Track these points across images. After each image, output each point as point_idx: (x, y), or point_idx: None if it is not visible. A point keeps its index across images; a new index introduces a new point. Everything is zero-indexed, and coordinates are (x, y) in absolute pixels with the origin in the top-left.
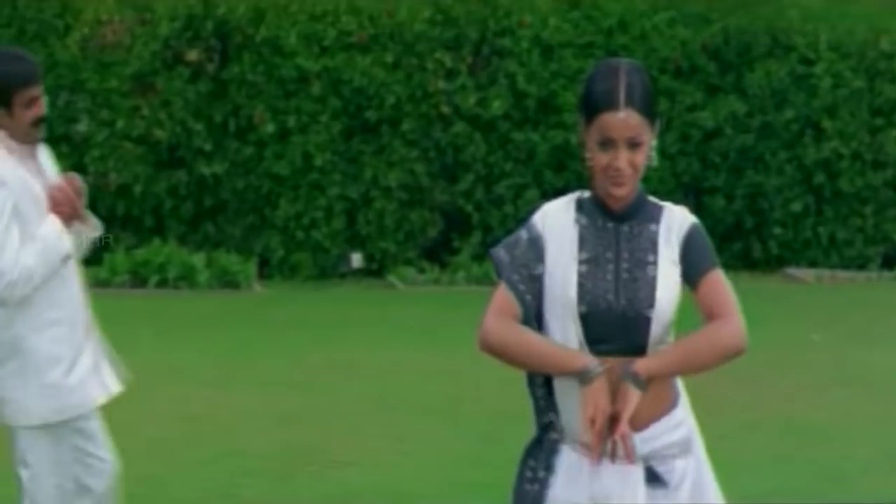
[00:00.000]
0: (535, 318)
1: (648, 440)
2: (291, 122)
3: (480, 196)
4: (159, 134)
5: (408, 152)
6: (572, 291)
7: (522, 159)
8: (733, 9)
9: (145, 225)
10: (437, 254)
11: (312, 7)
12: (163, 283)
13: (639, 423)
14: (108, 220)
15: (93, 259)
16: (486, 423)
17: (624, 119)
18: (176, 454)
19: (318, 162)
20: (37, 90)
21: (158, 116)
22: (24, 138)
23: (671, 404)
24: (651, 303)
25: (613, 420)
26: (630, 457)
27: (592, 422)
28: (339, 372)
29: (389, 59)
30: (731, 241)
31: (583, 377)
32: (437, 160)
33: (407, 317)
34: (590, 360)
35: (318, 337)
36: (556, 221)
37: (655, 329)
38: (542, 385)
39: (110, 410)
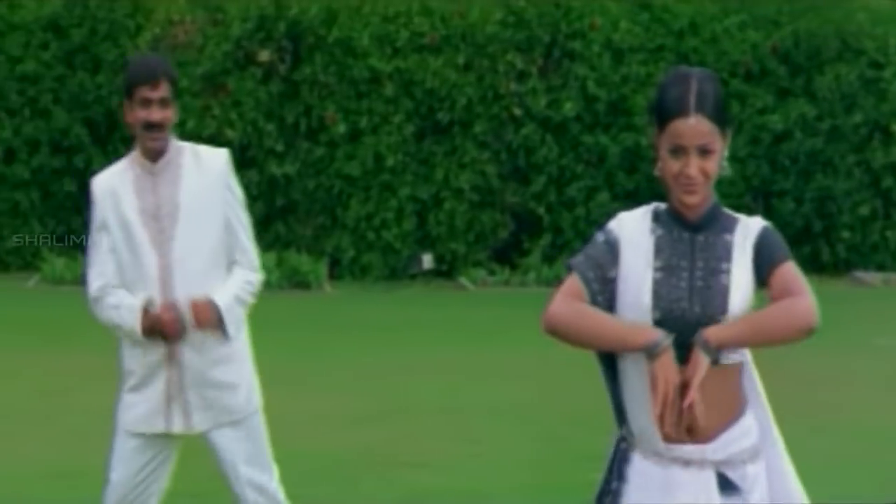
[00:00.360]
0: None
1: (719, 449)
2: (363, 122)
3: (551, 198)
4: (230, 134)
5: (479, 154)
6: (647, 298)
7: (593, 162)
8: (803, 12)
9: None
10: (508, 255)
11: (385, 8)
12: None
13: (709, 434)
14: None
15: None
16: (555, 425)
17: (694, 126)
18: None
19: (390, 163)
20: (151, 93)
21: (229, 116)
22: (141, 144)
23: (739, 412)
24: (724, 309)
25: (684, 388)
26: (697, 427)
27: (664, 396)
28: (408, 373)
29: (461, 60)
30: (800, 245)
31: (650, 351)
32: (509, 162)
33: (477, 318)
34: (658, 334)
35: (388, 338)
36: (632, 229)
37: None
38: (612, 392)
39: None
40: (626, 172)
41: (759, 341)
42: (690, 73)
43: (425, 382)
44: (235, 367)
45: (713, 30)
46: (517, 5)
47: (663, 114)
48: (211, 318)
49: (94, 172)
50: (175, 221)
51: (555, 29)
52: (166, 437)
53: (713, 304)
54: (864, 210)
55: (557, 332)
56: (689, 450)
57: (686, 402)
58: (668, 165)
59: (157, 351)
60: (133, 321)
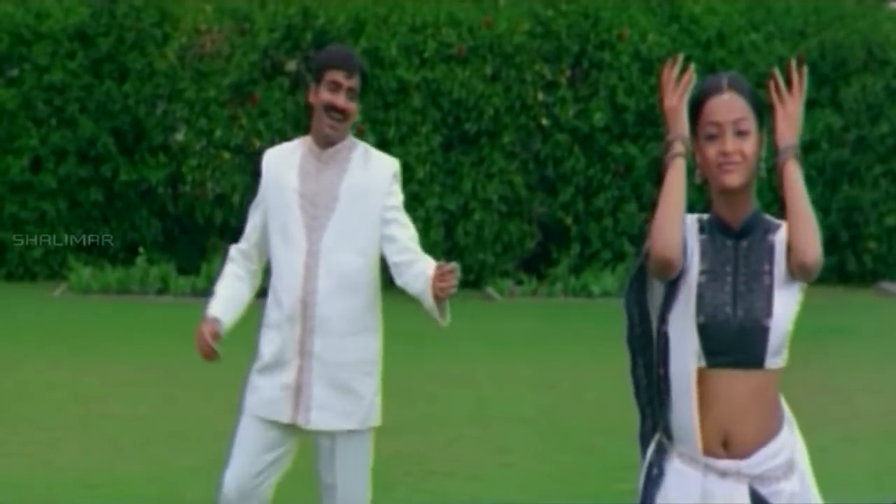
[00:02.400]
0: (660, 323)
1: (755, 465)
2: (391, 133)
3: (579, 208)
4: (258, 143)
5: (507, 164)
6: (691, 302)
7: (621, 172)
8: (829, 23)
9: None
10: (535, 266)
11: (412, 18)
12: (260, 293)
13: (746, 451)
14: (206, 229)
15: (190, 268)
16: (585, 435)
17: (728, 101)
18: None
19: (418, 173)
20: (344, 80)
21: (257, 126)
22: (316, 128)
23: (777, 428)
24: (769, 311)
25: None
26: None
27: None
28: (437, 383)
29: (489, 70)
30: (826, 255)
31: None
32: (536, 172)
33: (505, 329)
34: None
35: (415, 348)
36: (687, 233)
37: (774, 339)
38: (646, 391)
39: (215, 422)
40: (653, 183)
41: (803, 200)
42: (722, 73)
43: (454, 392)
44: (366, 376)
45: (740, 41)
46: (545, 16)
47: (698, 100)
48: (452, 287)
49: (121, 182)
50: (331, 212)
51: (583, 39)
52: (289, 428)
53: (757, 307)
54: (891, 220)
55: (674, 248)
56: (724, 464)
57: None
58: (707, 153)
59: (292, 337)
60: (205, 311)
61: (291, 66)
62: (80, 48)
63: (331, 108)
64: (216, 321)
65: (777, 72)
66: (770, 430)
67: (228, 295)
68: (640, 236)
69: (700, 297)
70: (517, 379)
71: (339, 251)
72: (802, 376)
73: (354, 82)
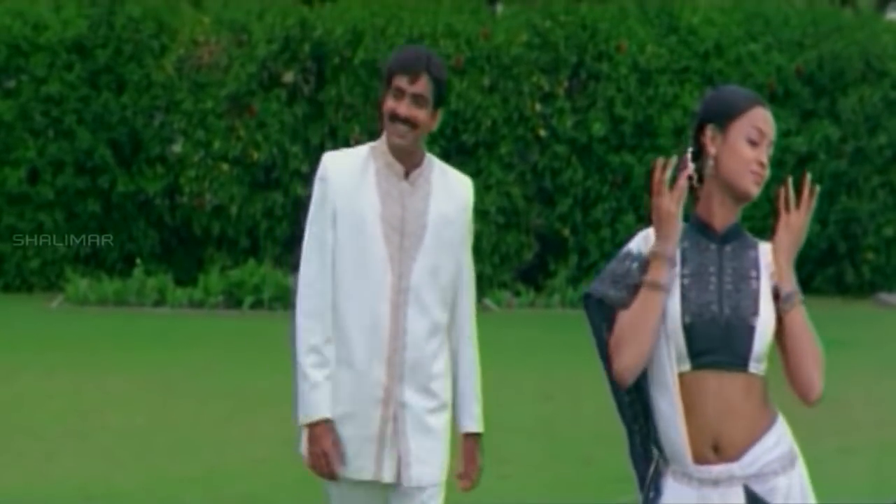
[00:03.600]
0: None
1: (747, 465)
2: None
3: (577, 219)
4: (255, 155)
5: (504, 175)
6: (675, 304)
7: (619, 183)
8: (828, 34)
9: (240, 246)
10: (533, 277)
11: (410, 30)
12: (258, 305)
13: (737, 452)
14: (203, 240)
15: (187, 280)
16: (583, 446)
17: (771, 119)
18: (279, 474)
19: None
20: (408, 85)
21: (255, 137)
22: (387, 138)
23: (768, 424)
24: (755, 310)
25: None
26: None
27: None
28: None
29: (487, 82)
30: (825, 266)
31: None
32: (534, 183)
33: (503, 339)
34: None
35: None
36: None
37: (759, 341)
38: (630, 408)
39: (212, 432)
40: (651, 194)
41: (809, 338)
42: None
43: None
44: (444, 418)
45: (738, 52)
46: (543, 27)
47: (740, 104)
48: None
49: (118, 193)
50: (419, 242)
51: (581, 50)
52: (376, 485)
53: (744, 305)
54: (889, 231)
55: (632, 372)
56: (717, 470)
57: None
58: (744, 153)
59: (373, 382)
60: (304, 417)
61: (289, 77)
62: (78, 60)
63: (394, 117)
64: (332, 428)
65: (789, 184)
66: (761, 427)
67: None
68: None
69: (685, 297)
70: (515, 389)
71: (429, 288)
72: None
73: (421, 87)
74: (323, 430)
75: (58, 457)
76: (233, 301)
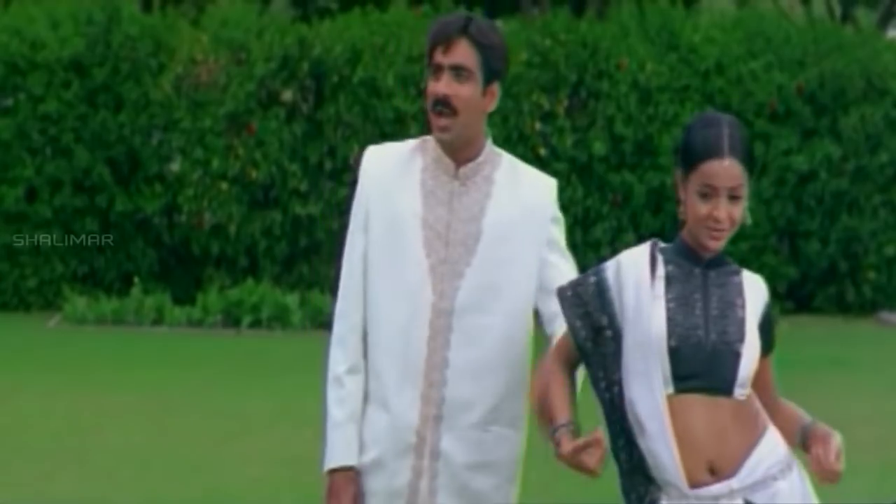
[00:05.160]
0: (617, 369)
1: (745, 477)
2: None
3: (577, 238)
4: (254, 174)
5: None
6: (661, 328)
7: (619, 202)
8: (828, 53)
9: (239, 265)
10: None
11: (409, 48)
12: (256, 324)
13: (734, 468)
14: (202, 259)
15: (186, 299)
16: None
17: (728, 168)
18: (279, 495)
19: None
20: (443, 57)
21: (253, 156)
22: (434, 135)
23: (760, 434)
24: (741, 337)
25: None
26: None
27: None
28: None
29: None
30: (826, 285)
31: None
32: None
33: None
34: (561, 418)
35: None
36: (633, 271)
37: (744, 367)
38: (623, 444)
39: (211, 452)
40: (651, 213)
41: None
42: (721, 118)
43: None
44: (506, 483)
45: (739, 71)
46: (543, 45)
47: (695, 155)
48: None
49: (116, 212)
50: (470, 254)
51: (581, 69)
52: None
53: (730, 331)
54: (890, 250)
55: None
56: (716, 489)
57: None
58: (696, 208)
59: (406, 424)
60: (324, 462)
61: (288, 95)
62: (76, 78)
63: (434, 102)
64: (354, 479)
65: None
66: (754, 438)
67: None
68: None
69: (671, 321)
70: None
71: (482, 311)
72: (803, 407)
73: (461, 56)
74: (342, 482)
75: (55, 476)
76: (231, 320)
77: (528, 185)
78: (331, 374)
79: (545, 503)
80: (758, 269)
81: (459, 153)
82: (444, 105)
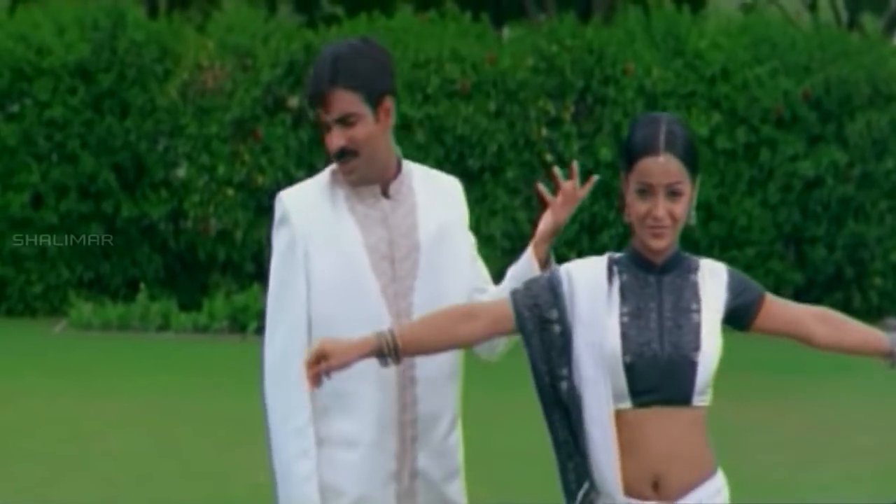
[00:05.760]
0: (564, 364)
1: None
2: None
3: (584, 245)
4: (260, 180)
5: (510, 200)
6: (615, 344)
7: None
8: (834, 59)
9: (245, 271)
10: None
11: (415, 54)
12: (262, 330)
13: (677, 492)
14: (207, 265)
15: (192, 304)
16: None
17: (664, 164)
18: None
19: None
20: (325, 115)
21: (259, 162)
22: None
23: (711, 470)
24: (697, 346)
25: None
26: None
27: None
28: None
29: (492, 107)
30: (832, 291)
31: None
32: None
33: (507, 364)
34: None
35: None
36: (586, 277)
37: (701, 375)
38: (565, 445)
39: (214, 459)
40: None
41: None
42: (660, 116)
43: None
44: (461, 481)
45: (745, 76)
46: (549, 51)
47: (632, 153)
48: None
49: (122, 218)
50: (415, 267)
51: (588, 75)
52: None
53: (685, 342)
54: None
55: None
56: None
57: None
58: (636, 207)
59: (383, 457)
60: None
61: (294, 101)
62: (82, 84)
63: (335, 154)
64: None
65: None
66: (705, 471)
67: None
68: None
69: (625, 336)
70: (518, 414)
71: None
72: (804, 412)
73: (342, 107)
74: None
75: (58, 481)
76: (237, 326)
77: (442, 189)
78: (288, 425)
79: (536, 503)
80: (764, 275)
81: (377, 178)
82: (343, 154)
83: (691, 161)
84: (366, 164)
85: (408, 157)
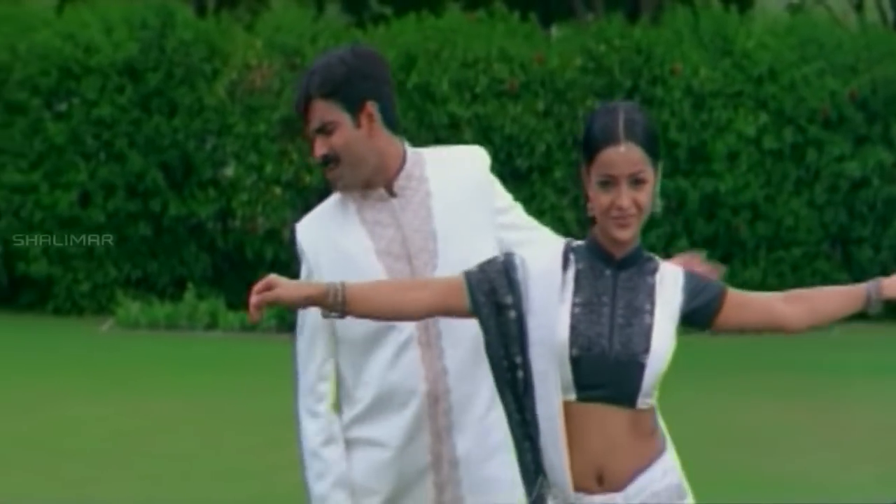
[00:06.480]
0: (519, 353)
1: (632, 496)
2: None
3: None
4: (307, 178)
5: (558, 200)
6: (564, 335)
7: (673, 208)
8: (881, 59)
9: (293, 270)
10: None
11: (464, 54)
12: (290, 327)
13: (622, 483)
14: (255, 264)
15: (239, 304)
16: None
17: (625, 153)
18: None
19: None
20: (307, 126)
21: (307, 161)
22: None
23: (657, 454)
24: (646, 348)
25: None
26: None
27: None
28: None
29: (541, 106)
30: None
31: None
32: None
33: None
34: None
35: None
36: (540, 265)
37: (648, 377)
38: (520, 426)
39: (259, 459)
40: (705, 219)
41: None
42: (618, 105)
43: None
44: (511, 455)
45: (792, 76)
46: (598, 51)
47: (592, 144)
48: None
49: (170, 216)
50: (433, 256)
51: (636, 75)
52: None
53: (635, 342)
54: None
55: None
56: (598, 499)
57: None
58: (599, 199)
59: (420, 453)
60: None
61: None
62: (129, 83)
63: (320, 163)
64: None
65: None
66: (648, 458)
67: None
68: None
69: (574, 329)
70: None
71: None
72: (858, 414)
73: (319, 116)
74: None
75: (104, 480)
76: (284, 325)
77: (458, 163)
78: (306, 448)
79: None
80: (810, 276)
81: (373, 181)
82: (327, 161)
83: (652, 148)
84: (350, 170)
85: None
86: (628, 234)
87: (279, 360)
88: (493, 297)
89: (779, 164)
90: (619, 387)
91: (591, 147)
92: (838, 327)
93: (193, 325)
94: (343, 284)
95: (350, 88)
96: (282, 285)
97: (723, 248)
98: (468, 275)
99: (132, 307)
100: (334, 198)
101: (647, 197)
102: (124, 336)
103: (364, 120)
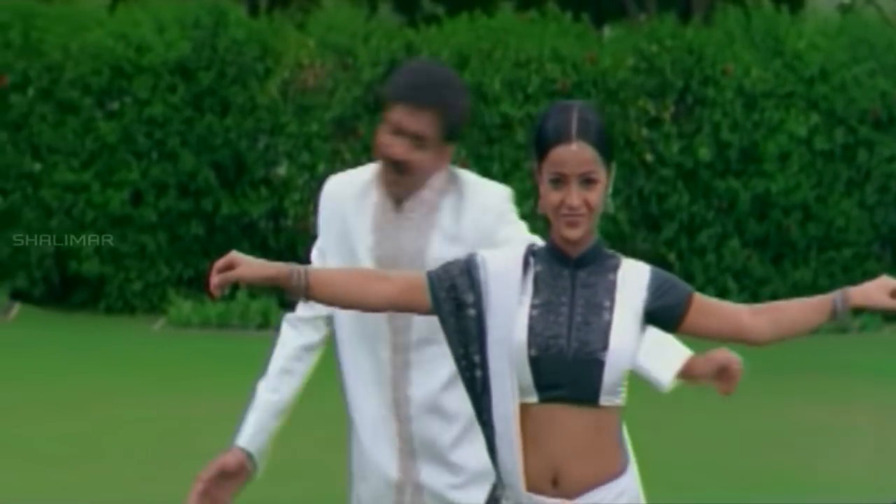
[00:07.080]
0: (477, 352)
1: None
2: (494, 168)
3: (682, 245)
4: None
5: (610, 200)
6: (522, 335)
7: (724, 208)
8: None
9: None
10: None
11: (516, 54)
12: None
13: (576, 490)
14: (308, 263)
15: (292, 303)
16: (675, 472)
17: (576, 152)
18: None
19: (521, 209)
20: (407, 117)
21: (360, 161)
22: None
23: (619, 470)
24: (604, 345)
25: None
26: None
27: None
28: None
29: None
30: None
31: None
32: (640, 208)
33: None
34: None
35: None
36: (500, 265)
37: (609, 375)
38: (487, 445)
39: (311, 457)
40: (756, 219)
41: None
42: (572, 104)
43: None
44: (477, 487)
45: (843, 77)
46: (649, 51)
47: (543, 142)
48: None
49: (222, 215)
50: None
51: (687, 75)
52: None
53: (592, 340)
54: None
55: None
56: (550, 502)
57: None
58: (549, 197)
59: (389, 465)
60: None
61: None
62: (182, 82)
63: (386, 158)
64: (245, 457)
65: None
66: (609, 472)
67: (261, 421)
68: (743, 272)
69: (531, 329)
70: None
71: (437, 340)
72: (874, 415)
73: (425, 124)
74: (231, 453)
75: (156, 480)
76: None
77: (473, 206)
78: (276, 354)
79: None
80: (860, 277)
81: (399, 185)
82: (398, 166)
83: (605, 148)
84: (407, 183)
85: (508, 156)
86: (578, 234)
87: (330, 360)
88: (454, 293)
89: (830, 164)
90: (579, 385)
91: (543, 144)
92: (887, 327)
93: (245, 324)
94: (306, 269)
95: (452, 111)
96: (244, 264)
97: (774, 249)
98: (430, 273)
99: (184, 306)
100: (371, 173)
101: (599, 197)
102: (176, 335)
103: (445, 154)
